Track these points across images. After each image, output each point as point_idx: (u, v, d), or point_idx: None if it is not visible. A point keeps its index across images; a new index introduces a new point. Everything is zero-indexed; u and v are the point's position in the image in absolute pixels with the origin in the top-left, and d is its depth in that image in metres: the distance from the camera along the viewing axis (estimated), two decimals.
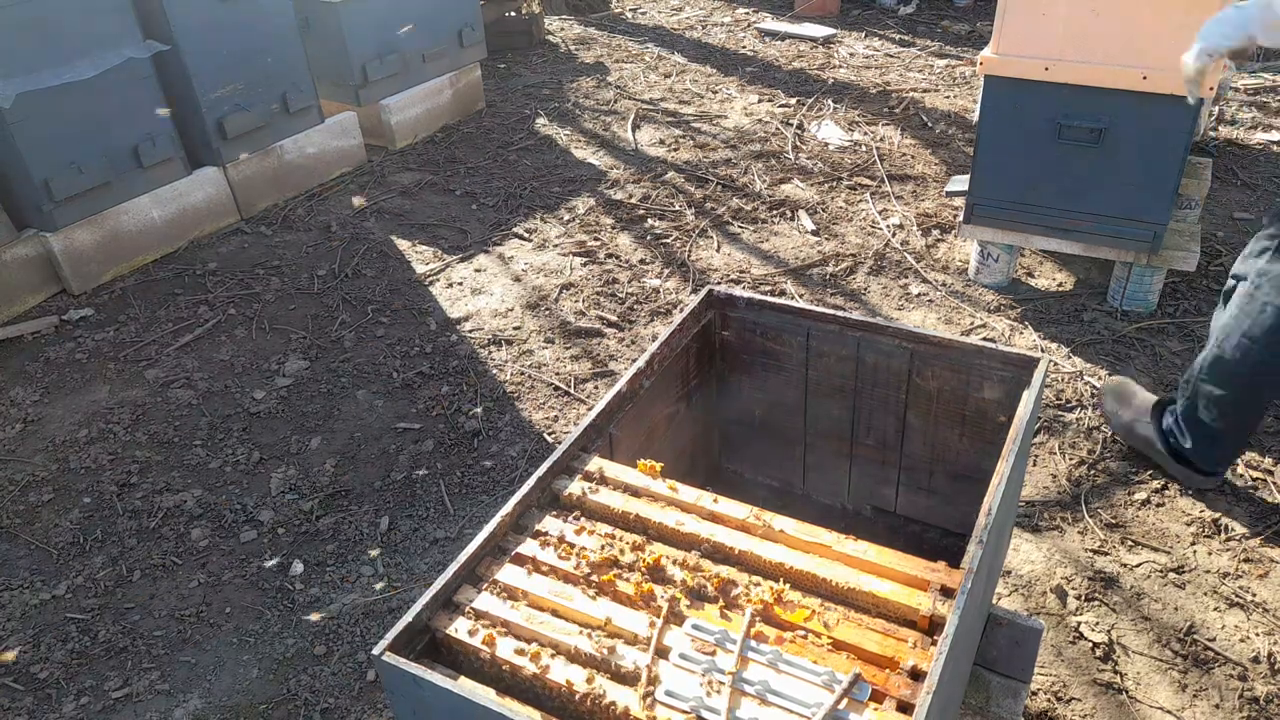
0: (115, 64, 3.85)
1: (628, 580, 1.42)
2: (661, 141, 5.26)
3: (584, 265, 4.10)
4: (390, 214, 4.60)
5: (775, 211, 4.47)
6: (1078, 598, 2.47)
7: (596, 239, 4.30)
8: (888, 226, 4.27)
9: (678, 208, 4.54)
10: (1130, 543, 2.63)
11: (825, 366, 2.04)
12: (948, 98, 5.70)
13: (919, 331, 1.90)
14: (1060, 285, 3.81)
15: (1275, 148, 4.87)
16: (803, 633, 1.33)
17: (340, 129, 4.93)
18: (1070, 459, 2.92)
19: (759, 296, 2.05)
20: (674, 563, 1.45)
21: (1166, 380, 3.22)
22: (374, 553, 2.70)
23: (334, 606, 2.55)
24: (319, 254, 4.27)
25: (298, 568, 2.67)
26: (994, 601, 2.07)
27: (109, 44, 3.85)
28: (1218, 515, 2.69)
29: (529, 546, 1.49)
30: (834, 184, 4.69)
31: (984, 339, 2.74)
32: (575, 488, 1.60)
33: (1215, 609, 2.43)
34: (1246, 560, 2.56)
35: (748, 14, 7.61)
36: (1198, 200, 3.65)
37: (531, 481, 1.56)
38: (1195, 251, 3.45)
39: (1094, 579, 2.52)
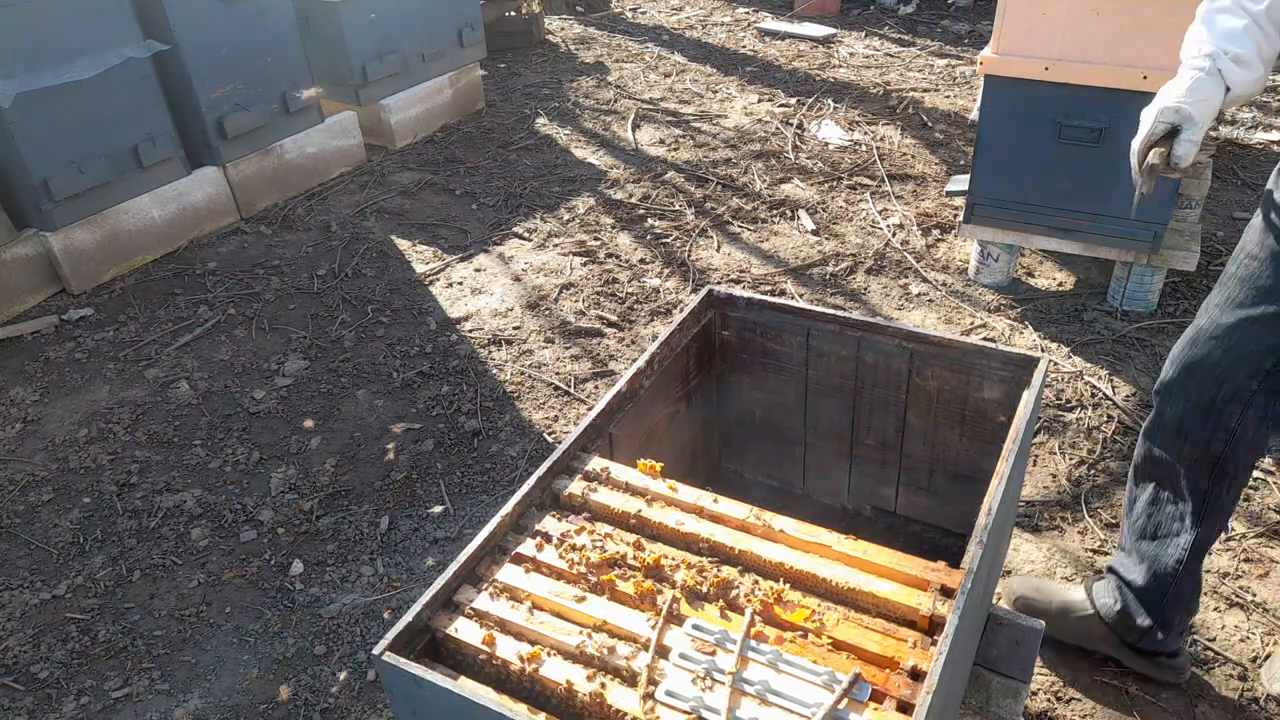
0: (115, 64, 3.85)
1: (628, 580, 1.42)
2: (661, 141, 5.26)
3: (584, 265, 4.10)
4: (390, 214, 4.60)
5: (775, 211, 4.47)
6: None
7: (596, 239, 4.30)
8: (888, 226, 4.27)
9: (678, 207, 4.54)
10: None
11: (825, 366, 2.04)
12: (948, 98, 5.70)
13: (919, 331, 1.90)
14: (1060, 285, 3.81)
15: (1275, 148, 4.87)
16: (803, 633, 1.33)
17: (340, 129, 4.93)
18: (1070, 459, 2.92)
19: (759, 296, 2.05)
20: (674, 563, 1.45)
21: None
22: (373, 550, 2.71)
23: (334, 606, 2.55)
24: (319, 254, 4.27)
25: (298, 568, 2.67)
26: (994, 601, 2.07)
27: (109, 44, 3.85)
28: None
29: (529, 546, 1.49)
30: (834, 184, 4.69)
31: (984, 339, 2.74)
32: (575, 488, 1.60)
33: (1215, 609, 2.43)
34: (1246, 560, 2.55)
35: (748, 14, 7.60)
36: (1198, 200, 3.65)
37: (531, 481, 1.56)
38: (1195, 251, 3.44)
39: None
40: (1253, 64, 1.77)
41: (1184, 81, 1.80)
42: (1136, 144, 1.84)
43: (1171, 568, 2.05)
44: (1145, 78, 3.05)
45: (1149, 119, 1.82)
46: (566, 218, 4.50)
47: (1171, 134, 1.78)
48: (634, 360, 3.32)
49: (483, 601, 1.40)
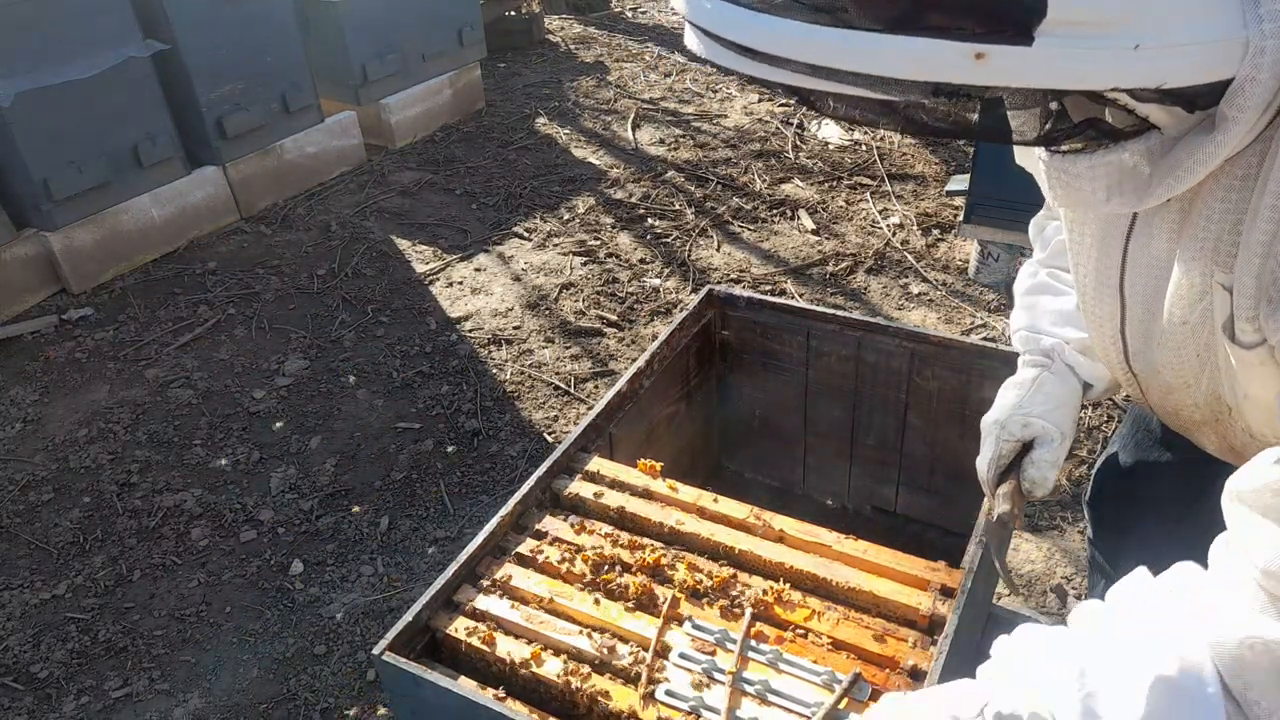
0: (115, 63, 3.85)
1: (628, 580, 1.41)
2: (661, 141, 5.26)
3: (584, 265, 4.10)
4: (390, 214, 4.60)
5: (775, 211, 4.47)
6: (1078, 597, 2.47)
7: (596, 238, 4.30)
8: (888, 226, 4.27)
9: (678, 207, 4.54)
10: None
11: (825, 366, 2.04)
12: None
13: (919, 331, 1.90)
14: None
15: None
16: (803, 632, 1.33)
17: (340, 128, 4.93)
18: (1070, 459, 2.92)
19: (759, 296, 2.05)
20: (674, 562, 1.45)
21: None
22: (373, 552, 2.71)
23: (334, 606, 2.55)
24: (319, 254, 4.27)
25: (298, 567, 2.67)
26: (994, 601, 2.07)
27: (109, 43, 3.84)
28: None
29: (529, 546, 1.49)
30: (834, 183, 4.69)
31: (984, 339, 2.75)
32: (575, 487, 1.60)
33: None
34: None
35: None
36: None
37: (531, 481, 1.56)
38: None
39: None
40: None
41: (1027, 380, 1.33)
42: (984, 469, 1.34)
43: None
44: None
45: (990, 436, 1.33)
46: (566, 217, 4.50)
47: (1024, 452, 1.31)
48: (634, 360, 3.32)
49: (483, 601, 1.40)
